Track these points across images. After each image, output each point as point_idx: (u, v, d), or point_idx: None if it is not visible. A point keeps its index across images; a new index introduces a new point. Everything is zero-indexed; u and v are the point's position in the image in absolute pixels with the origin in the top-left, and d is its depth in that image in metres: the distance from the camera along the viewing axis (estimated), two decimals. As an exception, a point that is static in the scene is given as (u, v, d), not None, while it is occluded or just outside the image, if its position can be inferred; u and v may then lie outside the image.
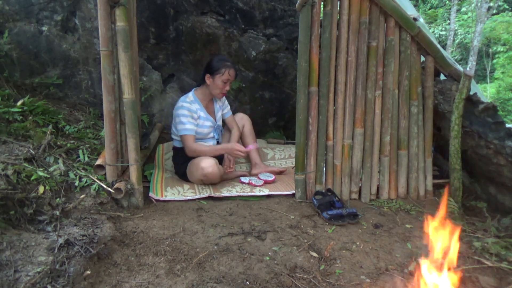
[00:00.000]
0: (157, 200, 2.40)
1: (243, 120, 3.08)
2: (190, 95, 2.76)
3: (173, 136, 2.83)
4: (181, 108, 2.67)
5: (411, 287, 1.59)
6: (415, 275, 1.53)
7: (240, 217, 2.23)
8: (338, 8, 2.42)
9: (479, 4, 11.09)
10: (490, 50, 13.23)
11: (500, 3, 13.55)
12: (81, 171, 2.20)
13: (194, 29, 3.36)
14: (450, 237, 1.50)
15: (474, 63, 11.25)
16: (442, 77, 2.75)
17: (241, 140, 3.09)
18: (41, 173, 1.96)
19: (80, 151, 2.40)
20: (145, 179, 2.65)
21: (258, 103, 3.66)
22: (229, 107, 3.00)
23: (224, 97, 2.94)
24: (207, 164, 2.54)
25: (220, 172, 2.61)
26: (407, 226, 2.23)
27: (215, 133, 2.85)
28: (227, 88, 2.73)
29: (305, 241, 1.99)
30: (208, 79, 2.69)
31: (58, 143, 2.34)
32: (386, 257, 1.89)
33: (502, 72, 11.88)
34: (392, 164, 2.61)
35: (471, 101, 2.49)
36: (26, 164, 1.98)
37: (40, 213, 1.80)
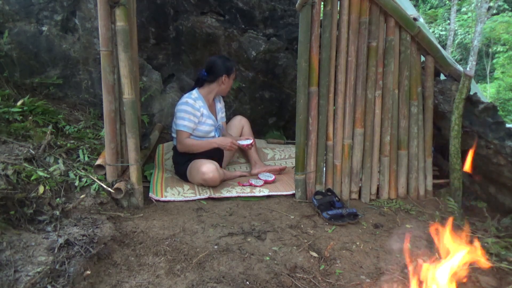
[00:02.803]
0: (157, 200, 2.40)
1: (241, 122, 3.10)
2: (195, 93, 2.77)
3: (173, 135, 2.83)
4: (185, 104, 2.67)
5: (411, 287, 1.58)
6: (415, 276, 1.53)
7: (240, 217, 2.23)
8: (338, 8, 2.42)
9: (479, 4, 11.09)
10: (490, 50, 13.22)
11: (500, 3, 13.55)
12: (81, 171, 2.20)
13: (194, 29, 3.36)
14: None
15: (474, 63, 11.25)
16: (442, 77, 2.75)
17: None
18: (41, 173, 1.96)
19: (80, 151, 2.40)
20: (145, 179, 2.65)
21: (258, 103, 3.66)
22: (225, 113, 3.03)
23: (222, 101, 3.01)
24: (208, 170, 2.54)
25: (220, 176, 2.62)
26: (407, 226, 2.23)
27: (216, 132, 2.85)
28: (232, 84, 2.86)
29: (305, 241, 1.99)
30: (225, 79, 2.75)
31: (58, 143, 2.34)
32: (386, 257, 1.89)
33: (502, 72, 11.88)
34: (392, 164, 2.61)
35: (471, 101, 2.49)
36: (26, 164, 1.98)
37: (40, 213, 1.80)
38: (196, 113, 2.69)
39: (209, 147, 2.72)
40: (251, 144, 2.80)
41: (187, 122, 2.66)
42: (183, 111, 2.66)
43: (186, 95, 2.76)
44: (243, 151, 3.14)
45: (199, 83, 2.83)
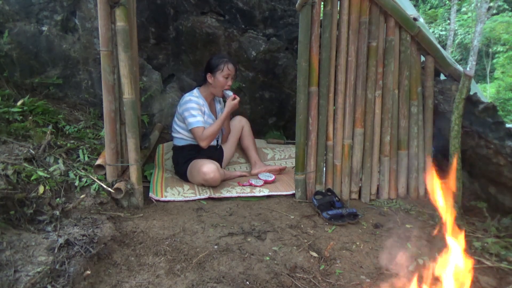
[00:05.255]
0: (157, 200, 2.40)
1: (241, 123, 3.09)
2: (195, 92, 2.77)
3: (173, 135, 2.83)
4: (189, 102, 2.67)
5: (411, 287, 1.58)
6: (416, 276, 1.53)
7: (240, 217, 2.23)
8: (338, 8, 2.42)
9: (479, 4, 11.09)
10: (490, 50, 13.23)
11: (500, 3, 13.55)
12: (81, 171, 2.20)
13: (194, 29, 3.36)
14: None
15: (474, 63, 11.25)
16: (442, 77, 2.75)
17: (240, 141, 3.10)
18: (41, 173, 1.96)
19: (80, 151, 2.40)
20: (145, 179, 2.65)
21: (258, 103, 3.66)
22: None
23: (223, 100, 2.97)
24: (209, 170, 2.54)
25: (221, 176, 2.62)
26: (407, 226, 2.22)
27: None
28: (229, 83, 2.73)
29: (305, 241, 1.99)
30: (209, 77, 2.71)
31: (58, 143, 2.34)
32: (386, 257, 1.89)
33: (502, 72, 11.88)
34: (392, 164, 2.61)
35: (471, 101, 2.49)
36: (26, 164, 1.98)
37: (40, 213, 1.80)
38: (202, 108, 2.69)
39: (224, 122, 2.71)
40: (234, 95, 2.71)
41: (199, 117, 2.64)
42: (190, 109, 2.64)
43: (187, 94, 2.76)
44: (243, 151, 3.14)
45: (200, 83, 2.85)
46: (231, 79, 2.74)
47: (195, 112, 2.64)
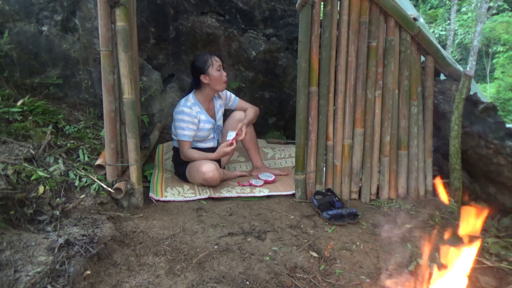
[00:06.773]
0: (157, 200, 2.40)
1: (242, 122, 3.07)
2: (191, 98, 2.73)
3: (173, 136, 2.83)
4: (181, 113, 2.65)
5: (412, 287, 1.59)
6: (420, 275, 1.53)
7: (240, 217, 2.23)
8: (338, 8, 2.42)
9: (479, 4, 11.10)
10: (490, 50, 13.24)
11: (500, 3, 13.55)
12: (81, 171, 2.20)
13: (194, 29, 3.36)
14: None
15: (474, 63, 11.26)
16: (442, 77, 2.75)
17: (241, 141, 3.07)
18: (41, 173, 1.96)
19: (80, 151, 2.40)
20: (145, 179, 2.65)
21: (258, 103, 3.65)
22: (233, 95, 2.94)
23: (223, 91, 2.89)
24: (208, 169, 2.54)
25: (220, 176, 2.61)
26: (407, 226, 2.22)
27: (215, 133, 2.84)
28: (224, 74, 2.70)
29: (305, 241, 1.99)
30: (204, 78, 2.67)
31: (58, 143, 2.34)
32: (386, 257, 1.89)
33: (502, 72, 11.90)
34: (392, 164, 2.61)
35: (471, 101, 2.49)
36: (26, 164, 1.98)
37: (40, 213, 1.80)
38: (194, 120, 2.66)
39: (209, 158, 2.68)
40: (236, 134, 2.65)
41: (187, 132, 2.64)
42: (181, 121, 2.64)
43: (182, 102, 2.72)
44: (244, 151, 3.14)
45: (192, 87, 2.81)
46: (223, 69, 2.69)
47: (184, 125, 2.63)
